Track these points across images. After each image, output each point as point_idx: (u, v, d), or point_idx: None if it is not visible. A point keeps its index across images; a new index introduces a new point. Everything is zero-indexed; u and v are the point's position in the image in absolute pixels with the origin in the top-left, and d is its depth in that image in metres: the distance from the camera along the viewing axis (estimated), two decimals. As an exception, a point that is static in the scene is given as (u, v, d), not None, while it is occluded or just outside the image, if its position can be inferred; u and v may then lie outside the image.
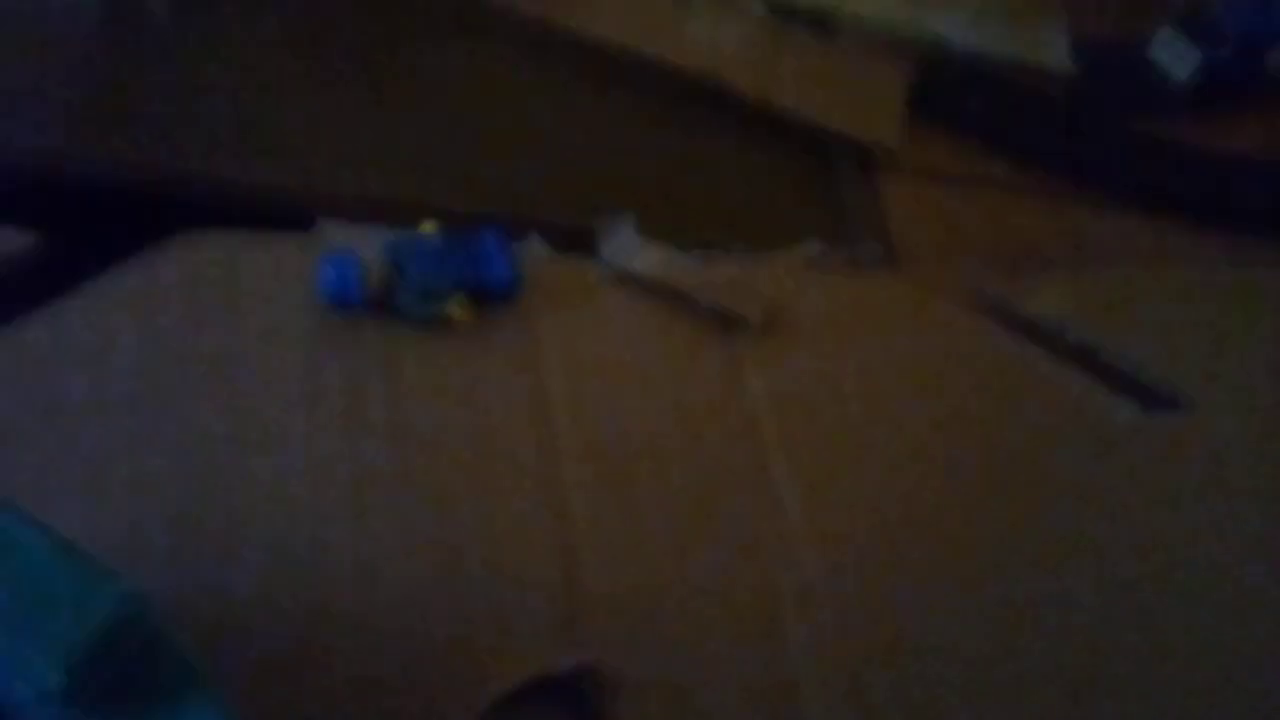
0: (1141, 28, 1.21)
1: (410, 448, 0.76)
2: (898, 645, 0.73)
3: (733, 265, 0.91)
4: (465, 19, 1.05)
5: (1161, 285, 1.00)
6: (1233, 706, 0.75)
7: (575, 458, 0.78)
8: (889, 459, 0.83)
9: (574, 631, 0.70)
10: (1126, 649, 0.76)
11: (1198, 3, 1.23)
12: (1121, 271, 1.01)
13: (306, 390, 0.77)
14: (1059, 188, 1.08)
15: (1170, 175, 1.12)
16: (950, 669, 0.73)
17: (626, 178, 0.99)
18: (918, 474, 0.82)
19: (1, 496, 0.49)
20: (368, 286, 0.81)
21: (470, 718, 0.65)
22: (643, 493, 0.77)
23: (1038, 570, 0.79)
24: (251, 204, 0.87)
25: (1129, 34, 1.22)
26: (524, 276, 0.84)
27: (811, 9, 1.13)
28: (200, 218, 0.84)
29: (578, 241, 0.90)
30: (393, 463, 0.75)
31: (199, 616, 0.64)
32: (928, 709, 0.71)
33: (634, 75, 1.05)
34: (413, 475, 0.74)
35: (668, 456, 0.79)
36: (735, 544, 0.76)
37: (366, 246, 0.82)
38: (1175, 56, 1.19)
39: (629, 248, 0.89)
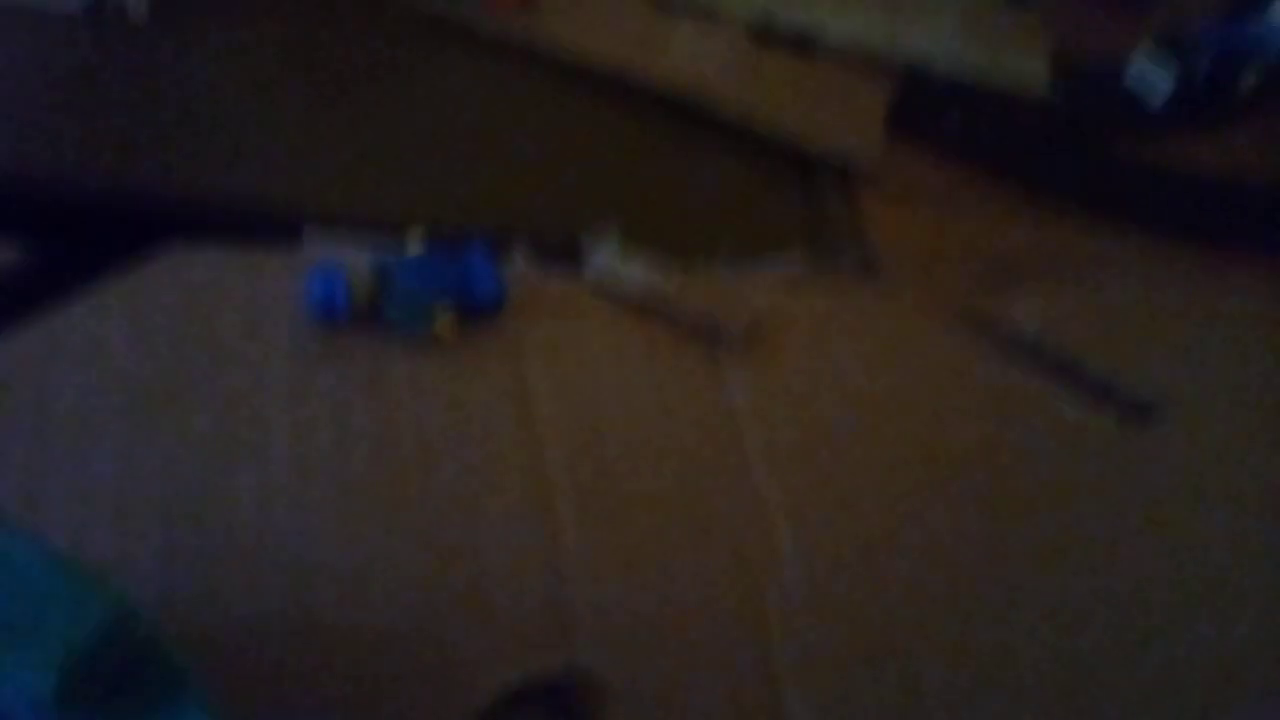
0: (1119, 48, 1.23)
1: (397, 459, 0.76)
2: (881, 653, 0.74)
3: (716, 278, 0.92)
4: (452, 35, 1.07)
5: (1138, 299, 1.02)
6: (1217, 703, 0.77)
7: (561, 469, 0.78)
8: (871, 469, 0.84)
9: (561, 639, 0.71)
10: (1109, 652, 0.77)
11: (1175, 24, 1.25)
12: (1099, 286, 1.03)
13: (293, 402, 0.78)
14: (1037, 204, 1.09)
15: (1147, 192, 1.14)
16: (933, 675, 0.74)
17: (611, 191, 1.00)
18: (899, 484, 0.83)
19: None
20: (354, 300, 0.81)
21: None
22: (628, 502, 0.78)
23: (1019, 577, 0.80)
24: (238, 216, 0.88)
25: (1107, 54, 1.24)
26: (509, 290, 0.86)
27: (793, 28, 1.15)
28: (186, 230, 0.85)
29: (563, 254, 0.91)
30: (379, 473, 0.75)
31: (188, 624, 0.65)
32: (912, 717, 0.72)
33: (619, 92, 1.06)
34: (399, 486, 0.75)
35: (652, 466, 0.80)
36: (720, 553, 0.77)
37: (353, 260, 0.83)
38: (1153, 77, 1.21)
39: (613, 260, 0.90)
